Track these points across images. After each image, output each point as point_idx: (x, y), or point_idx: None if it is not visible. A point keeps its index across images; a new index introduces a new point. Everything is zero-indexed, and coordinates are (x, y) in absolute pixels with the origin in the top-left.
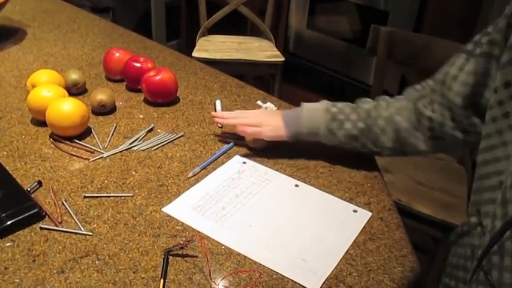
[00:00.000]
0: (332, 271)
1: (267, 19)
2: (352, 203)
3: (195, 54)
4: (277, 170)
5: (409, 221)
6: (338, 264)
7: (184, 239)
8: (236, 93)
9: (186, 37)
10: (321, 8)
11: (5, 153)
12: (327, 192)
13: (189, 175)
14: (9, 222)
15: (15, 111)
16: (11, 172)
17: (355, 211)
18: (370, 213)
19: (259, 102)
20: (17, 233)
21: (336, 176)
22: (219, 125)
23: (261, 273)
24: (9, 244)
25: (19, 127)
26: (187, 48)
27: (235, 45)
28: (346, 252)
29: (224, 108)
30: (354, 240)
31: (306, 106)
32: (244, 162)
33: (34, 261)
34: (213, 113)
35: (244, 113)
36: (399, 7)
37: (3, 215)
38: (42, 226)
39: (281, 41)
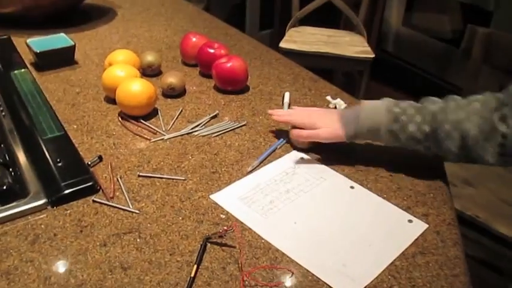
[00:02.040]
0: (372, 281)
1: (361, 13)
2: (408, 213)
3: (282, 44)
4: (334, 170)
5: (487, 241)
6: (380, 274)
7: (225, 227)
8: (308, 87)
9: (279, 27)
10: (420, 5)
11: (75, 126)
12: (384, 198)
13: (249, 169)
14: (66, 192)
15: (92, 88)
16: (76, 145)
17: (410, 221)
18: (426, 226)
19: (328, 98)
20: (71, 202)
21: (396, 182)
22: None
23: (293, 273)
24: (62, 212)
25: (93, 103)
26: (279, 38)
27: (324, 38)
28: (392, 263)
29: (292, 101)
30: (403, 252)
31: (366, 105)
32: (302, 158)
33: (81, 231)
34: (270, 111)
35: (300, 110)
36: (508, 8)
37: (62, 184)
38: (94, 199)
39: (374, 37)
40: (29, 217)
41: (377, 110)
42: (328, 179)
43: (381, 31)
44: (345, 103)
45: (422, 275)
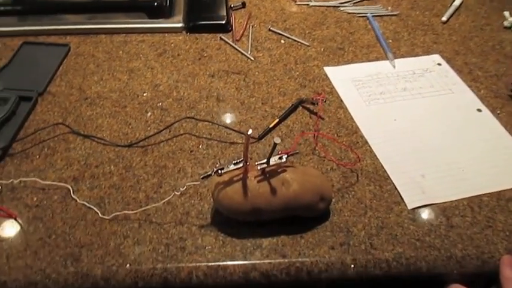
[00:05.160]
0: (445, 202)
1: None
2: None
3: None
4: (470, 87)
5: None
6: (458, 200)
7: (320, 95)
8: None
9: None
10: None
11: None
12: (510, 132)
13: (390, 57)
14: (201, 23)
15: None
16: None
17: None
18: None
19: (505, 13)
20: (203, 34)
21: None
22: (444, 18)
23: (360, 159)
24: (192, 39)
25: None
26: None
27: None
28: (478, 196)
29: (463, 7)
30: (498, 191)
31: None
32: (439, 64)
33: (199, 59)
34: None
35: None
36: None
37: (202, 15)
38: (222, 37)
39: None
40: (166, 35)
41: None
42: (457, 93)
43: None
44: None
45: (507, 221)
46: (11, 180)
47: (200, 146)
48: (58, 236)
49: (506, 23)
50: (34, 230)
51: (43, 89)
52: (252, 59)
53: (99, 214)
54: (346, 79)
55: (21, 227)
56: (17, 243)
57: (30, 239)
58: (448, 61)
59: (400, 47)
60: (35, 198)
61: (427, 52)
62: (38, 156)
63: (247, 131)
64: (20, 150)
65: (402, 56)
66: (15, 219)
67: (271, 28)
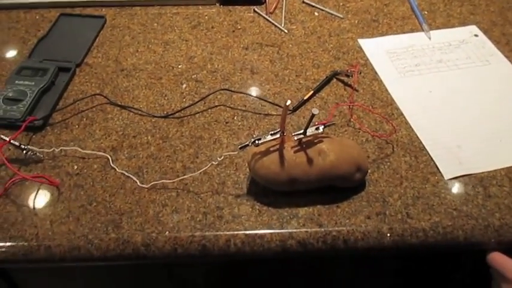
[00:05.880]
0: (482, 172)
1: None
2: None
3: None
4: (507, 57)
5: None
6: (496, 170)
7: (355, 67)
8: None
9: None
10: None
11: None
12: None
13: (425, 29)
14: None
15: None
16: None
17: None
18: None
19: None
20: (236, 6)
21: None
22: None
23: (395, 130)
24: (226, 12)
25: None
26: None
27: None
28: None
29: None
30: None
31: None
32: (476, 35)
33: (233, 31)
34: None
35: None
36: None
37: None
38: (256, 9)
39: None
40: (200, 7)
41: None
42: (494, 64)
43: None
44: None
45: None
46: (52, 149)
47: (235, 118)
48: (99, 204)
49: None
50: (76, 197)
51: (80, 60)
52: (286, 31)
53: (138, 183)
54: (381, 51)
55: (63, 194)
56: (59, 209)
57: (72, 205)
58: (485, 32)
59: (436, 19)
60: (75, 167)
61: (464, 23)
62: (77, 126)
63: (286, 101)
64: (60, 120)
65: (438, 28)
66: (57, 187)
67: (305, 0)
